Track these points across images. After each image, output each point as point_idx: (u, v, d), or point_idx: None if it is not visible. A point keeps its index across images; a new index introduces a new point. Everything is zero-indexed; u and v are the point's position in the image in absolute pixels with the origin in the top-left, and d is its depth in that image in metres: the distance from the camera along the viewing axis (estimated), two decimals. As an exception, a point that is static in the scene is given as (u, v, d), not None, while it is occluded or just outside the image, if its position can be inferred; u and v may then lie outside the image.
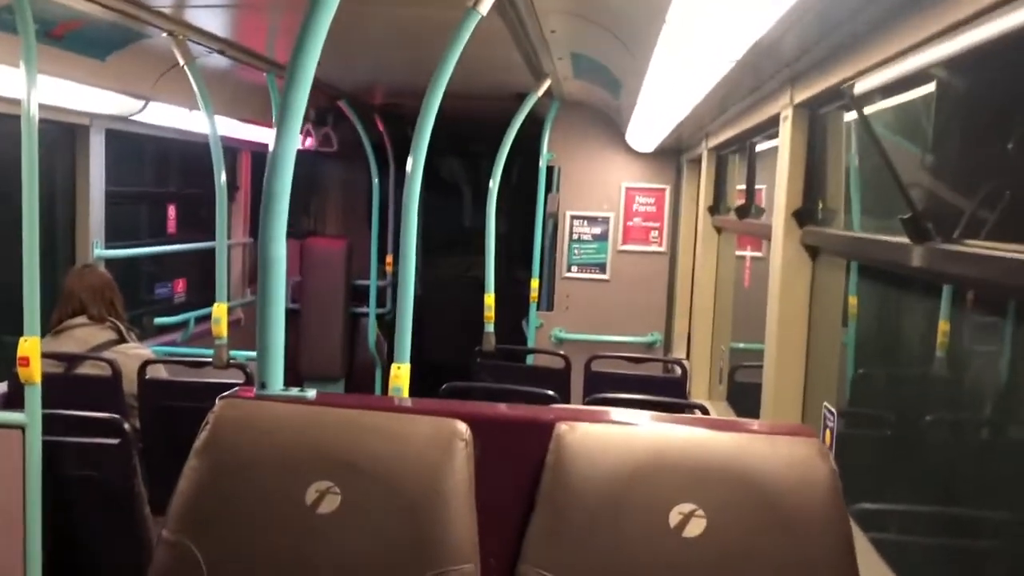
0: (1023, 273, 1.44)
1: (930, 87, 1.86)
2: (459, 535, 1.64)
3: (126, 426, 3.14)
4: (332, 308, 7.09)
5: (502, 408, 1.96)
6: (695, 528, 1.61)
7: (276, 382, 1.91)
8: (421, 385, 3.58)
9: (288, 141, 1.90)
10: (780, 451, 1.68)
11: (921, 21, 1.71)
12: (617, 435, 1.73)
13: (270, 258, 1.91)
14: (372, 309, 7.02)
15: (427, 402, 1.91)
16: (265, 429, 1.73)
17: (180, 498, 1.68)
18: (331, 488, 1.65)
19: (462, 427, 1.72)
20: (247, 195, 6.69)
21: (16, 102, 2.83)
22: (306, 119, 6.53)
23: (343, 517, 1.63)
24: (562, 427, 1.73)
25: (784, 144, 2.78)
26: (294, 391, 1.89)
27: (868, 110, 2.27)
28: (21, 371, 2.87)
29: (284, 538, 1.63)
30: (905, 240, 1.88)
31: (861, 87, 1.98)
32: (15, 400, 3.63)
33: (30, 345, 2.85)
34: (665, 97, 3.58)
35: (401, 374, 2.68)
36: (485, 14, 2.62)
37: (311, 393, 1.89)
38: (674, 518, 1.62)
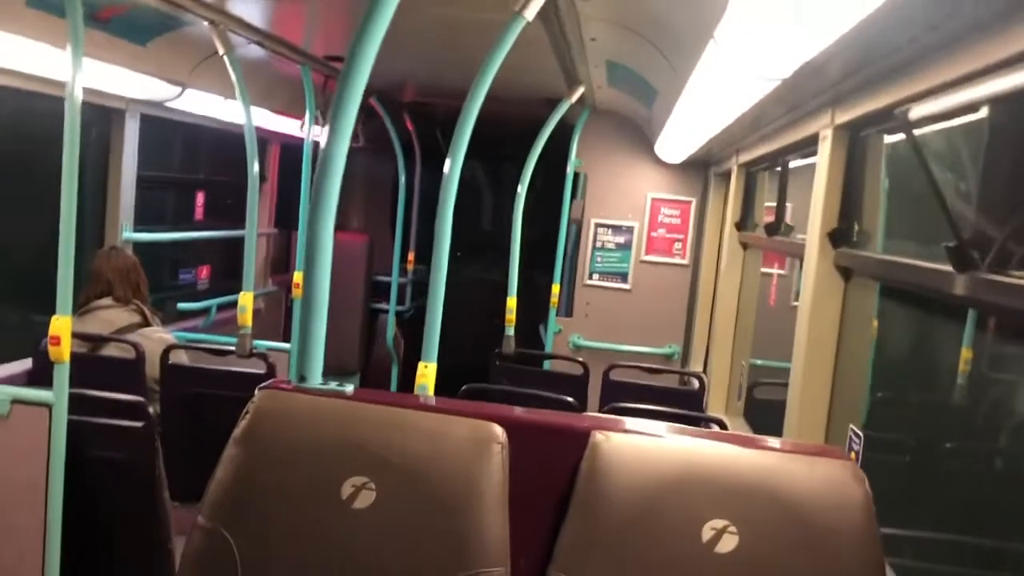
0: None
1: (981, 113, 1.86)
2: (491, 538, 1.65)
3: (149, 410, 3.17)
4: (352, 303, 7.10)
5: (536, 413, 1.97)
6: (727, 544, 1.61)
7: (316, 375, 1.92)
8: (440, 385, 3.60)
9: (340, 138, 1.91)
10: (815, 471, 1.69)
11: (970, 53, 1.71)
12: (652, 447, 1.74)
13: (318, 255, 1.93)
14: (392, 306, 7.03)
15: (463, 404, 1.92)
16: (303, 422, 1.75)
17: (217, 486, 1.70)
18: (367, 484, 1.66)
19: (499, 431, 1.73)
20: (274, 186, 6.72)
21: (60, 84, 2.86)
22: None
23: (377, 513, 1.64)
24: (598, 436, 1.74)
25: (822, 164, 2.78)
26: (333, 385, 1.90)
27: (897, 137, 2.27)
28: (51, 349, 2.89)
29: (318, 531, 1.64)
30: (947, 267, 1.88)
31: (917, 113, 1.98)
32: (40, 377, 3.66)
33: (61, 324, 2.87)
34: (701, 111, 3.58)
35: (428, 373, 2.69)
36: (531, 20, 2.63)
37: (349, 388, 1.90)
38: (706, 533, 1.62)
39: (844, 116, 2.60)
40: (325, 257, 1.93)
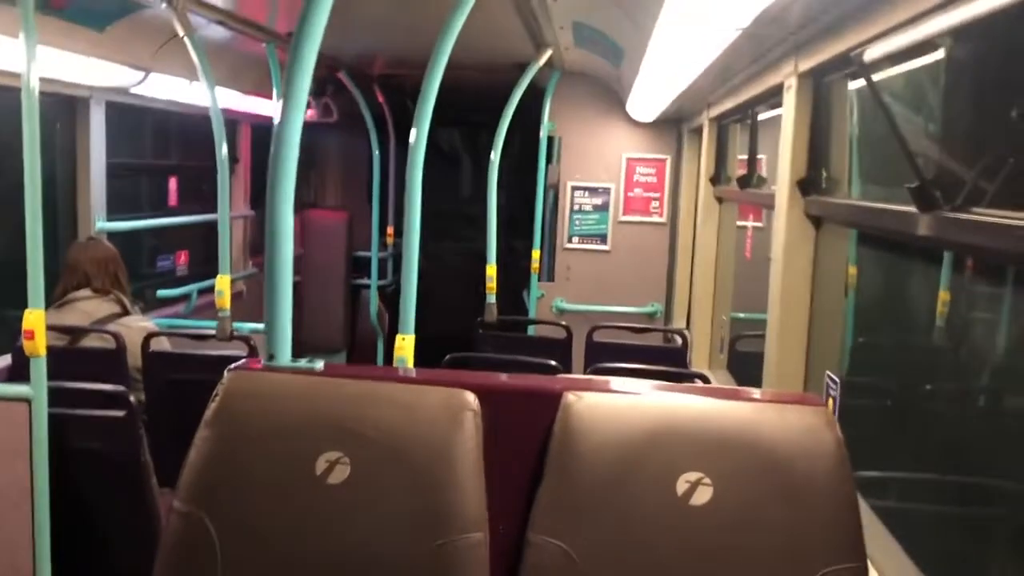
0: (1030, 241, 1.45)
1: (939, 54, 1.85)
2: (468, 504, 1.66)
3: (131, 398, 3.16)
4: (333, 280, 7.09)
5: (510, 378, 1.97)
6: (702, 496, 1.63)
7: (284, 354, 1.91)
8: (423, 357, 3.59)
9: (294, 114, 1.89)
10: (787, 420, 1.70)
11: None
12: (624, 405, 1.75)
13: (278, 231, 1.91)
14: (374, 281, 7.02)
15: (435, 372, 1.92)
16: (274, 400, 1.74)
17: (190, 469, 1.69)
18: (341, 458, 1.66)
19: (471, 397, 1.73)
20: (247, 167, 6.66)
21: (15, 75, 2.81)
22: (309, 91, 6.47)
23: (353, 487, 1.64)
24: (569, 397, 1.74)
25: (788, 113, 2.77)
26: (303, 362, 1.90)
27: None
28: (26, 344, 2.87)
29: (294, 508, 1.65)
30: (911, 209, 1.88)
31: (871, 55, 1.97)
32: (19, 373, 3.64)
33: (35, 318, 2.85)
34: (668, 66, 3.56)
35: (406, 345, 2.69)
36: (488, -17, 2.60)
37: (319, 364, 1.89)
38: (681, 486, 1.63)
39: (807, 63, 2.59)
40: (286, 235, 1.91)
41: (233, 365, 1.85)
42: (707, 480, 1.63)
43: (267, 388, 1.78)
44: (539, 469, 1.73)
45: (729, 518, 1.62)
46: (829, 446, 1.65)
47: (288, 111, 1.88)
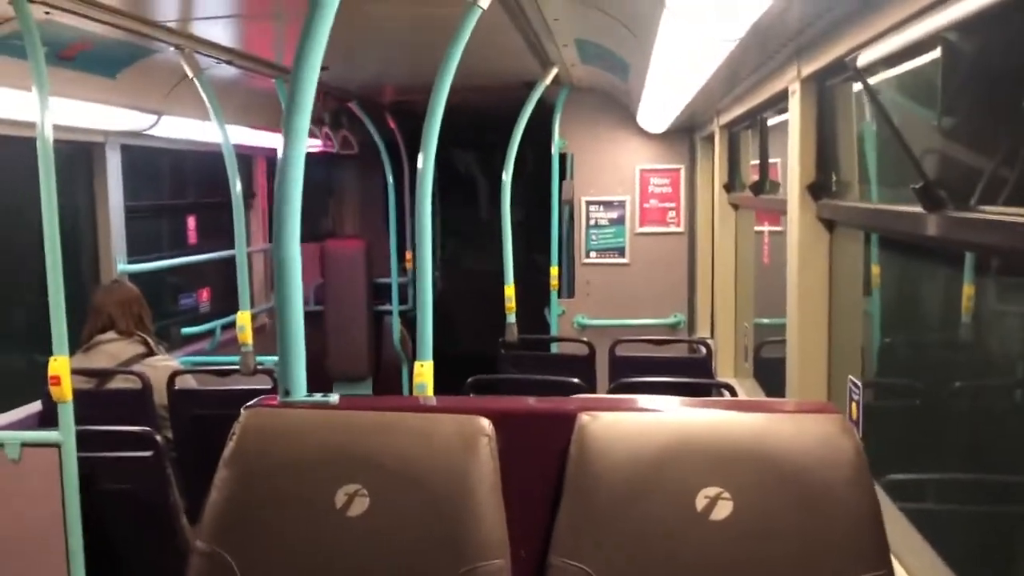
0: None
1: (935, 53, 1.84)
2: (488, 531, 1.66)
3: (158, 438, 3.19)
4: (355, 308, 7.13)
5: (524, 401, 1.97)
6: (722, 511, 1.62)
7: (300, 388, 1.93)
8: (449, 379, 3.60)
9: (296, 145, 1.90)
10: (804, 429, 1.69)
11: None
12: (639, 422, 1.74)
13: (285, 264, 1.91)
14: (395, 306, 7.05)
15: (449, 399, 1.93)
16: (291, 436, 1.76)
17: (212, 508, 1.71)
18: (359, 491, 1.67)
19: (485, 423, 1.74)
20: (264, 201, 6.73)
21: (31, 125, 2.87)
22: (322, 123, 6.56)
23: (373, 518, 1.65)
24: (584, 417, 1.74)
25: (794, 118, 2.77)
26: (317, 396, 1.91)
27: (879, 77, 2.25)
28: (53, 390, 2.91)
29: (316, 542, 1.66)
30: (919, 209, 1.87)
31: (864, 59, 1.97)
32: (50, 418, 3.69)
33: (59, 364, 2.89)
34: (673, 78, 3.56)
35: (424, 371, 2.70)
36: (486, 8, 2.62)
37: (334, 398, 1.91)
38: (700, 502, 1.63)
39: (809, 68, 2.59)
40: (294, 270, 1.92)
41: (249, 403, 1.86)
42: (726, 494, 1.62)
43: (283, 424, 1.80)
44: (557, 491, 1.73)
45: (750, 531, 1.60)
46: (847, 454, 1.64)
47: (289, 146, 1.90)
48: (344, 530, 1.65)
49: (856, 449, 1.65)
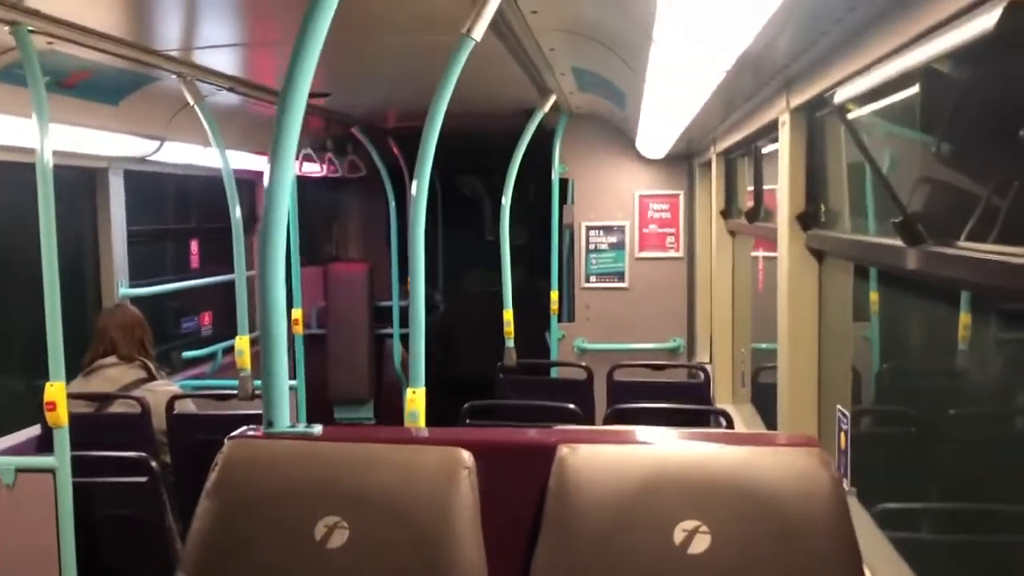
0: (1012, 275, 1.44)
1: (914, 89, 1.86)
2: (468, 563, 1.67)
3: (153, 464, 3.21)
4: (357, 331, 7.15)
5: (505, 433, 1.99)
6: (700, 544, 1.62)
7: (282, 419, 1.94)
8: (449, 403, 3.61)
9: (283, 171, 1.92)
10: (781, 462, 1.69)
11: (903, 24, 1.72)
12: (619, 455, 1.75)
13: (269, 294, 1.91)
14: (396, 330, 7.07)
15: (432, 431, 1.94)
16: (272, 467, 1.77)
17: (193, 538, 1.72)
18: (339, 523, 1.68)
19: (466, 455, 1.75)
20: (265, 226, 6.76)
21: (33, 151, 2.92)
22: (324, 148, 6.61)
23: (352, 551, 1.66)
24: (563, 450, 1.75)
25: (784, 149, 2.79)
26: (300, 427, 1.92)
27: (875, 106, 2.26)
28: (48, 415, 2.94)
29: (295, 574, 1.67)
30: (900, 243, 1.88)
31: (842, 95, 1.99)
32: (49, 442, 3.72)
33: (56, 390, 2.92)
34: (667, 107, 3.59)
35: (416, 399, 2.71)
36: (479, 40, 2.65)
37: (317, 428, 1.92)
38: (678, 535, 1.63)
39: (797, 99, 2.61)
40: (277, 297, 1.92)
41: (233, 434, 1.88)
42: (704, 528, 1.63)
43: (265, 455, 1.81)
44: (537, 523, 1.73)
45: (728, 565, 1.61)
46: (825, 486, 1.65)
47: (276, 172, 1.92)
48: (323, 562, 1.66)
49: (833, 481, 1.65)
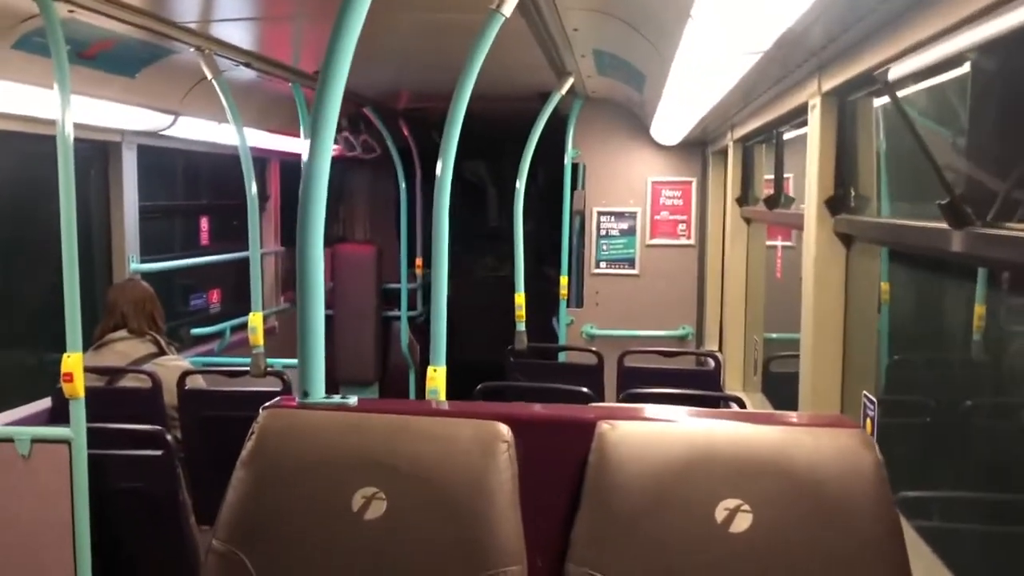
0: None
1: (964, 69, 1.84)
2: (505, 537, 1.65)
3: (168, 437, 3.19)
4: (364, 313, 7.14)
5: (543, 409, 1.97)
6: (742, 523, 1.61)
7: (318, 390, 1.93)
8: (456, 386, 3.60)
9: (322, 150, 1.91)
10: (824, 442, 1.68)
11: (948, 5, 1.69)
12: (659, 433, 1.74)
13: (309, 268, 1.92)
14: (404, 312, 7.05)
15: (468, 405, 1.93)
16: (309, 437, 1.76)
17: (229, 508, 1.71)
18: (376, 494, 1.66)
19: (504, 429, 1.73)
20: (277, 204, 6.75)
21: (51, 122, 2.89)
22: (340, 128, 6.58)
23: (389, 522, 1.65)
24: (604, 426, 1.74)
25: (813, 133, 2.76)
26: (336, 398, 1.91)
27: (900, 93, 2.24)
28: (65, 386, 2.92)
29: (332, 545, 1.65)
30: (943, 225, 1.86)
31: (895, 72, 1.97)
32: (59, 415, 3.70)
33: (73, 361, 2.90)
34: (690, 90, 3.56)
35: (437, 377, 2.69)
36: (508, 15, 2.62)
37: (353, 400, 1.91)
38: (720, 514, 1.62)
39: (830, 83, 2.59)
40: (317, 271, 1.93)
41: (268, 403, 1.86)
42: (746, 507, 1.62)
43: (302, 425, 1.79)
44: (575, 500, 1.72)
45: (770, 544, 1.60)
46: (868, 468, 1.64)
47: (316, 148, 1.91)
48: (360, 533, 1.65)
49: (877, 464, 1.64)
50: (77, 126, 3.06)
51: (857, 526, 1.59)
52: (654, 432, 1.73)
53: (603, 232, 6.24)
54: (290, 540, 1.67)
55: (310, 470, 1.70)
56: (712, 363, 4.66)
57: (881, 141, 2.85)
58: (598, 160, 6.22)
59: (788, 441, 1.69)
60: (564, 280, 5.93)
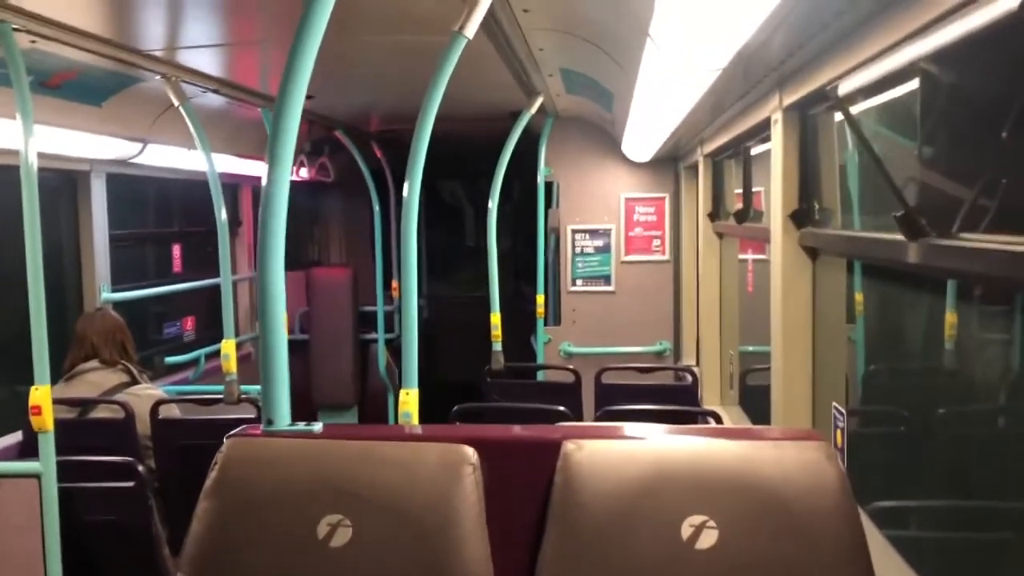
0: (1017, 264, 1.44)
1: (914, 84, 1.87)
2: (472, 560, 1.65)
3: (140, 468, 3.16)
4: (341, 336, 7.10)
5: (509, 430, 1.97)
6: (707, 539, 1.61)
7: (283, 417, 1.91)
8: (434, 407, 3.58)
9: (280, 174, 1.90)
10: (788, 456, 1.68)
11: (901, 19, 1.72)
12: (624, 450, 1.74)
13: (269, 293, 1.90)
14: (380, 335, 7.03)
15: (436, 428, 1.92)
16: (274, 466, 1.74)
17: (193, 540, 1.69)
18: (342, 521, 1.65)
19: (469, 451, 1.73)
20: (250, 230, 6.73)
21: (15, 153, 2.87)
22: (301, 151, 6.56)
23: (355, 549, 1.63)
24: (569, 446, 1.73)
25: (776, 147, 2.79)
26: (301, 425, 1.89)
27: (859, 107, 2.27)
28: (33, 419, 2.89)
29: (298, 573, 1.64)
30: (900, 237, 1.88)
31: (845, 88, 1.99)
32: (31, 448, 3.66)
33: (41, 394, 2.87)
34: (657, 107, 3.59)
35: (410, 400, 2.68)
36: (472, 37, 2.63)
37: (318, 427, 1.89)
38: (686, 531, 1.62)
39: (790, 97, 2.61)
40: (278, 297, 1.91)
41: (232, 432, 1.85)
42: (711, 523, 1.62)
43: (266, 454, 1.78)
44: (542, 520, 1.71)
45: (736, 560, 1.60)
46: (832, 480, 1.64)
47: (274, 174, 1.90)
48: (326, 561, 1.63)
49: (840, 476, 1.64)
50: (44, 156, 3.04)
51: (821, 538, 1.60)
52: (619, 450, 1.73)
53: (578, 250, 6.26)
54: (256, 570, 1.65)
55: (274, 499, 1.69)
56: (689, 378, 4.67)
57: (851, 153, 2.88)
58: (571, 178, 6.24)
59: (752, 456, 1.70)
60: (540, 299, 5.94)
